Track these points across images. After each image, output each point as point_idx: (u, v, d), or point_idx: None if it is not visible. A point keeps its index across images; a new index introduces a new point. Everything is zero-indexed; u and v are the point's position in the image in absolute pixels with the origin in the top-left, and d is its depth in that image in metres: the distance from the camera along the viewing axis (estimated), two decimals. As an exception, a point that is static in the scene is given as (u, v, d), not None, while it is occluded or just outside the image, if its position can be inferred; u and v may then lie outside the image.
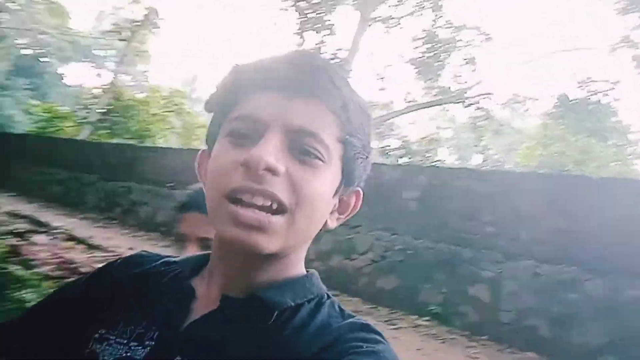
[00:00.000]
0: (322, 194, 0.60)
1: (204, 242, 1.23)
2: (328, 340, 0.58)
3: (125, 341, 0.62)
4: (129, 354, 0.61)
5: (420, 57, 14.93)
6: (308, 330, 0.59)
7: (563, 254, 5.00)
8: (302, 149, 0.59)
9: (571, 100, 15.25)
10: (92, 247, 4.94)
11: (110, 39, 16.41)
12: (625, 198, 4.85)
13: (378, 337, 0.58)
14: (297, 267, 0.66)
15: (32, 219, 6.16)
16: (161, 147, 12.74)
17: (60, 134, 15.90)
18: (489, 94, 14.60)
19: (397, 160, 14.71)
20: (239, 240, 0.56)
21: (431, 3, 14.46)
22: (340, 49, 14.24)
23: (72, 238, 5.18)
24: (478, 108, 14.65)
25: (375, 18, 14.98)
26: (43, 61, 28.26)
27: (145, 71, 27.57)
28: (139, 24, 18.24)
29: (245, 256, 0.60)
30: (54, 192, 12.19)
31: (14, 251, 3.97)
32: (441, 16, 14.58)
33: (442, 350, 3.42)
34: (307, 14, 14.54)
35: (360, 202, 0.69)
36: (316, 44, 14.23)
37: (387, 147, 15.22)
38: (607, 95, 14.80)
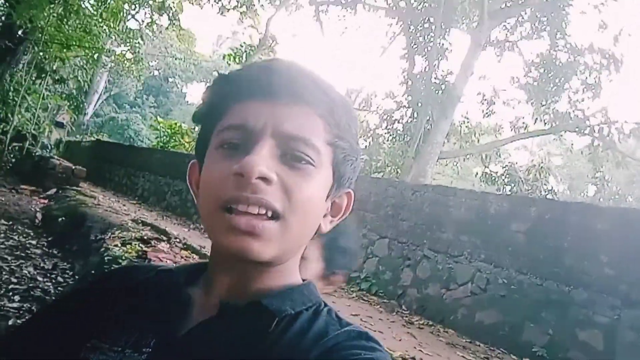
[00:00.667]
0: (314, 198, 0.60)
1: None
2: (326, 347, 0.57)
3: (120, 349, 0.61)
4: None
5: (534, 81, 14.21)
6: (307, 338, 0.59)
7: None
8: (292, 154, 0.59)
9: None
10: (205, 257, 5.22)
11: (230, 63, 17.56)
12: None
13: (376, 346, 0.58)
14: (294, 275, 0.66)
15: (154, 226, 6.72)
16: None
17: (180, 149, 17.34)
18: (613, 121, 13.42)
19: (504, 187, 14.03)
20: (234, 247, 0.56)
21: (551, 25, 13.72)
22: (450, 73, 14.01)
23: (187, 247, 5.54)
24: (597, 137, 13.54)
25: (489, 41, 14.57)
26: (169, 81, 31.23)
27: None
28: (254, 48, 19.43)
29: (242, 264, 0.60)
30: (171, 202, 13.32)
31: (142, 256, 4.41)
32: (562, 37, 13.77)
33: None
34: (416, 38, 14.54)
35: (352, 203, 0.68)
36: (425, 68, 14.14)
37: (493, 173, 14.59)
38: None
